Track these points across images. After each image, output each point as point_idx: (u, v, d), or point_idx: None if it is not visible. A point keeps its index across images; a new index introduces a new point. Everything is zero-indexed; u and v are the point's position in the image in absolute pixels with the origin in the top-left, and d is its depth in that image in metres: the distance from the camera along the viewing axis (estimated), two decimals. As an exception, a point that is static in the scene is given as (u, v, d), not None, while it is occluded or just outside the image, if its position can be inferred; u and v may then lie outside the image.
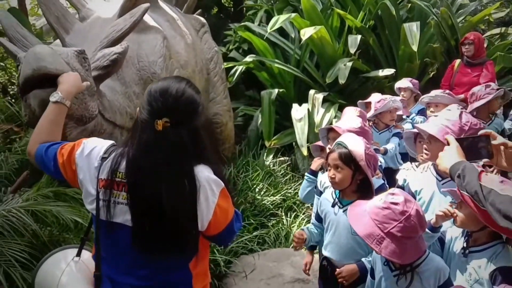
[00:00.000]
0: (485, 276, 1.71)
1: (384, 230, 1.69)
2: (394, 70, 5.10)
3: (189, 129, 1.44)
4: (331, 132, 2.59)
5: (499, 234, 1.69)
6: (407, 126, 3.83)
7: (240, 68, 5.61)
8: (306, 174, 2.78)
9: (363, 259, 2.11)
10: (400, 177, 2.39)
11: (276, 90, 5.31)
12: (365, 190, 2.12)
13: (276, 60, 5.57)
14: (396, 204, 1.72)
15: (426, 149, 2.15)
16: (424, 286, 1.72)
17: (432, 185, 2.18)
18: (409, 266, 1.75)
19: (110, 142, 1.58)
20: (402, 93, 4.35)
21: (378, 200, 1.77)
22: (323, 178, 2.49)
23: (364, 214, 1.75)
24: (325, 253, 2.25)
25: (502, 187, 1.26)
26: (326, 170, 2.53)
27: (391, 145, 3.49)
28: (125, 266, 1.52)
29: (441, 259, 1.81)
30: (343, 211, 2.15)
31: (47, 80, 1.96)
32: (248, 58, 5.53)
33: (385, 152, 3.43)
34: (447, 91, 4.07)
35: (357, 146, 2.09)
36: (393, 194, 1.77)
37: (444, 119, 2.11)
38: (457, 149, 1.48)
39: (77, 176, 1.53)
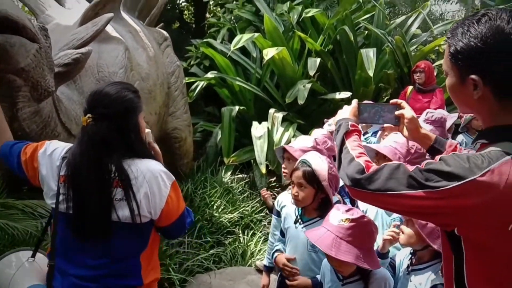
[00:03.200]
0: None
1: (362, 246, 1.75)
2: (350, 93, 5.27)
3: (111, 124, 1.54)
4: (286, 152, 2.62)
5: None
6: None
7: (201, 84, 5.61)
8: (273, 215, 2.64)
9: (317, 276, 2.13)
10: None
11: (236, 107, 5.34)
12: (325, 208, 2.15)
13: (238, 78, 5.62)
14: (362, 217, 1.79)
15: (402, 230, 2.23)
16: None
17: None
18: (359, 275, 1.82)
19: (70, 144, 1.69)
20: None
21: (342, 221, 1.78)
22: (281, 198, 2.50)
23: (338, 242, 1.76)
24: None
25: (355, 150, 1.29)
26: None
27: None
28: (76, 257, 1.59)
29: (386, 270, 1.88)
30: (303, 227, 2.17)
31: (7, 29, 1.93)
32: (210, 74, 5.54)
33: None
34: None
35: (320, 165, 2.13)
36: (350, 209, 1.83)
37: (392, 141, 2.23)
38: (353, 109, 1.51)
39: (38, 173, 1.64)
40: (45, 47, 2.22)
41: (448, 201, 1.03)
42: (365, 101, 1.59)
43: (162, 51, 4.51)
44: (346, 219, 1.78)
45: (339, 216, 1.81)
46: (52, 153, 1.64)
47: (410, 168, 1.11)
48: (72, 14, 3.56)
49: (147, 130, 1.76)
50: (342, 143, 1.34)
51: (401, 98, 5.02)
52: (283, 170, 2.58)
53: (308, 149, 2.42)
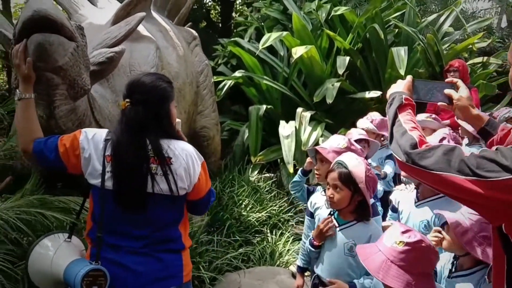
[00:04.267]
0: None
1: (414, 272, 1.58)
2: (380, 92, 5.17)
3: (146, 108, 1.71)
4: (319, 153, 2.58)
5: (484, 261, 1.71)
6: None
7: (229, 83, 5.60)
8: (299, 171, 2.83)
9: (355, 281, 2.08)
10: (393, 198, 2.39)
11: (264, 106, 5.32)
12: (362, 211, 2.11)
13: (265, 77, 5.59)
14: (420, 242, 1.60)
15: None
16: None
17: (411, 205, 2.22)
18: None
19: (106, 129, 1.83)
20: None
21: (396, 243, 1.62)
22: (314, 199, 2.46)
23: (388, 265, 1.60)
24: (317, 271, 2.21)
25: (408, 124, 1.25)
26: (320, 188, 2.52)
27: (389, 169, 3.51)
28: (124, 230, 1.75)
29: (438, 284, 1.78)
30: (339, 230, 2.13)
31: (47, 28, 1.97)
32: (237, 73, 5.54)
33: (384, 176, 3.44)
34: (433, 115, 4.14)
35: (357, 167, 2.08)
36: (407, 231, 1.65)
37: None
38: (407, 84, 1.46)
39: (80, 160, 1.74)
40: (82, 46, 2.25)
41: (497, 193, 0.99)
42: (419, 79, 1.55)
43: (191, 50, 4.53)
44: (400, 241, 1.63)
45: (394, 237, 1.67)
46: (93, 137, 1.76)
47: (466, 153, 1.07)
48: (104, 13, 3.60)
49: (177, 120, 1.92)
50: (395, 116, 1.31)
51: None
52: (316, 171, 2.54)
53: (341, 150, 2.37)
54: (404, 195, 2.36)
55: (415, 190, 2.22)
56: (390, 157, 3.59)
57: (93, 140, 1.76)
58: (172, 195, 1.73)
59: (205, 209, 2.00)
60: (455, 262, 1.81)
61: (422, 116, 3.95)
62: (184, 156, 1.75)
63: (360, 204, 2.09)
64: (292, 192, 2.95)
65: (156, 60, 3.44)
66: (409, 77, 1.51)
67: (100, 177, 1.72)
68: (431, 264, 1.64)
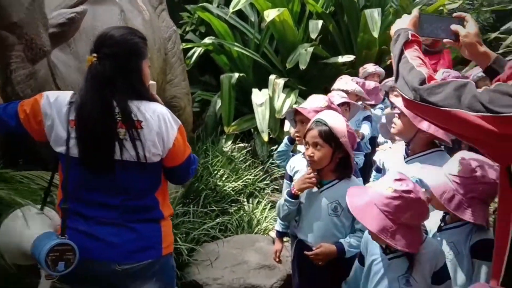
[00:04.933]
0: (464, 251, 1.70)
1: (397, 221, 1.55)
2: (354, 56, 5.11)
3: (114, 62, 1.57)
4: (298, 115, 2.49)
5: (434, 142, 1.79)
6: (377, 112, 3.83)
7: (198, 50, 5.40)
8: (285, 139, 2.71)
9: (341, 241, 2.04)
10: (377, 158, 2.34)
11: (236, 75, 5.17)
12: (344, 169, 2.05)
13: (236, 44, 5.41)
14: (408, 192, 1.56)
15: (394, 123, 2.12)
16: (420, 271, 1.61)
17: (400, 162, 2.16)
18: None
19: (71, 92, 1.67)
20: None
21: (385, 188, 1.60)
22: (293, 163, 2.39)
23: (371, 207, 1.60)
24: (301, 236, 2.16)
25: (415, 60, 1.20)
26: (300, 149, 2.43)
27: (366, 130, 3.47)
28: (93, 199, 1.63)
29: (438, 244, 1.73)
30: (321, 192, 2.07)
31: None
32: (207, 40, 5.33)
33: (362, 137, 3.40)
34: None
35: (338, 122, 2.00)
36: (400, 180, 1.60)
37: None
38: (413, 19, 1.39)
39: (43, 125, 1.61)
40: (39, 1, 2.04)
41: (511, 129, 0.92)
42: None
43: (158, 15, 4.29)
44: (390, 187, 1.59)
45: (385, 182, 1.64)
46: (56, 100, 1.62)
47: (479, 89, 0.99)
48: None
49: (151, 82, 1.75)
50: (401, 53, 1.24)
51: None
52: (295, 134, 2.45)
53: (322, 109, 2.29)
54: (389, 154, 2.30)
55: (404, 147, 2.17)
56: (367, 118, 3.55)
57: (55, 103, 1.61)
58: (139, 161, 1.60)
59: (186, 177, 1.85)
60: (445, 216, 1.78)
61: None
62: (157, 119, 1.61)
63: (342, 162, 2.03)
64: (278, 162, 2.86)
65: (121, 22, 3.22)
66: (415, 11, 1.42)
67: (65, 144, 1.59)
68: (418, 217, 1.59)
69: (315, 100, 2.41)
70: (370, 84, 4.10)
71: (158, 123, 1.61)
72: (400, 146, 2.26)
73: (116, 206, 1.64)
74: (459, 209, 1.63)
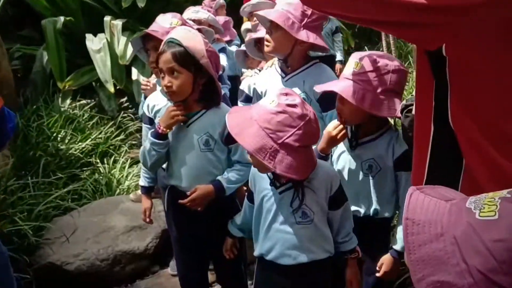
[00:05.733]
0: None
1: (278, 140, 1.33)
2: (196, -9, 4.71)
3: None
4: (149, 42, 2.07)
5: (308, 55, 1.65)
6: (233, 48, 3.56)
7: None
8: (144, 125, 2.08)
9: (218, 178, 1.78)
10: (244, 85, 2.09)
11: (62, 18, 4.34)
12: (210, 96, 1.75)
13: (55, -18, 4.52)
14: (293, 106, 1.34)
15: (267, 40, 1.88)
16: (315, 200, 1.44)
17: (277, 82, 1.95)
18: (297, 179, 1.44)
19: None
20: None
21: (269, 102, 1.37)
22: (151, 101, 1.94)
23: (250, 123, 1.35)
24: (172, 181, 1.84)
25: None
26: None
27: (224, 61, 3.17)
28: None
29: (330, 165, 1.58)
30: (187, 126, 1.75)
31: None
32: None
33: (223, 70, 3.10)
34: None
35: (194, 40, 1.67)
36: (286, 94, 1.38)
37: (284, 3, 1.85)
38: None
39: None
40: None
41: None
42: None
43: None
44: (273, 101, 1.36)
45: (270, 96, 1.40)
46: None
47: None
48: None
49: None
50: None
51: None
52: (152, 65, 2.02)
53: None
54: (261, 78, 2.05)
55: (276, 68, 1.97)
56: (222, 51, 3.26)
57: None
58: None
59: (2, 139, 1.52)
60: (356, 132, 1.63)
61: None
62: None
63: (206, 88, 1.72)
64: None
65: None
66: None
67: None
68: (304, 137, 1.36)
69: (165, 19, 2.02)
70: (220, 18, 3.78)
71: None
72: (271, 62, 2.05)
73: None
74: (374, 106, 1.49)
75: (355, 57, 1.58)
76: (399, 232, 1.58)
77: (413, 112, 1.31)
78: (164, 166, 1.91)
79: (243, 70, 3.19)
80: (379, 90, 1.49)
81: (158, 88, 2.03)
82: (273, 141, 1.32)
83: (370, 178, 1.61)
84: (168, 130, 1.73)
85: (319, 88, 1.62)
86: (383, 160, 1.59)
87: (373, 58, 1.52)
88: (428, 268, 0.71)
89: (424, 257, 0.71)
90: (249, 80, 2.15)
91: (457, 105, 0.93)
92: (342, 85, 1.53)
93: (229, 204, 1.86)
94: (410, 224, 0.75)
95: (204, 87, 1.72)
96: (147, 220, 2.07)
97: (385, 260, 1.62)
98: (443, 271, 0.70)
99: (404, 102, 1.51)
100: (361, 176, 1.61)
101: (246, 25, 3.45)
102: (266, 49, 1.89)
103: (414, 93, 1.19)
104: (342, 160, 1.66)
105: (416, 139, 1.12)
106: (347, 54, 4.48)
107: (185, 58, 1.65)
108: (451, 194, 0.82)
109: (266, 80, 2.00)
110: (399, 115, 1.54)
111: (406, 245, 0.74)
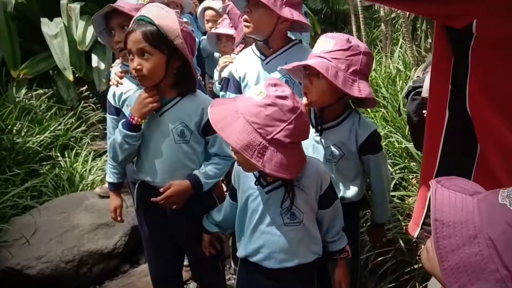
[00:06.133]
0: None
1: (267, 136, 1.19)
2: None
3: None
4: (114, 19, 1.86)
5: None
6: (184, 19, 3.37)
7: None
8: (108, 116, 1.89)
9: (195, 172, 1.64)
10: (227, 73, 1.94)
11: (12, 0, 4.01)
12: (185, 82, 1.59)
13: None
14: (284, 98, 1.21)
15: (246, 21, 1.73)
16: (304, 199, 1.32)
17: (256, 65, 1.82)
18: (280, 179, 1.31)
19: None
20: None
21: (256, 94, 1.23)
22: (118, 89, 1.81)
23: (235, 117, 1.21)
24: (143, 176, 1.68)
25: None
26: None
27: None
28: None
29: (319, 162, 1.46)
30: (161, 115, 1.60)
31: None
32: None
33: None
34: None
35: (167, 18, 1.50)
36: (275, 85, 1.24)
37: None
38: None
39: None
40: None
41: None
42: None
43: None
44: (261, 92, 1.22)
45: (258, 87, 1.26)
46: None
47: None
48: None
49: None
50: None
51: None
52: (117, 46, 1.83)
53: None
54: (240, 63, 1.91)
55: (254, 51, 1.84)
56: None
57: None
58: None
59: None
60: (320, 116, 1.53)
61: None
62: None
63: (181, 72, 1.57)
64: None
65: None
66: None
67: None
68: (295, 132, 1.23)
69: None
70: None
71: None
72: (246, 50, 1.91)
73: None
74: (346, 85, 1.41)
75: (327, 36, 1.52)
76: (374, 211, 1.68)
77: (422, 95, 1.23)
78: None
79: (216, 54, 3.04)
80: (350, 70, 1.43)
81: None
82: (262, 137, 1.19)
83: (333, 164, 1.54)
84: (143, 121, 1.56)
85: (290, 65, 1.51)
86: (346, 146, 1.53)
87: (346, 38, 1.48)
88: (464, 277, 0.62)
89: (458, 265, 0.63)
90: (231, 67, 2.00)
91: (476, 88, 0.85)
92: (314, 61, 1.45)
93: (206, 199, 1.72)
94: (440, 227, 0.66)
95: (179, 71, 1.56)
96: (118, 219, 1.90)
97: (370, 231, 1.80)
98: (481, 279, 0.61)
99: (411, 83, 1.43)
100: (324, 161, 1.53)
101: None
102: (246, 30, 1.75)
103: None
104: (304, 146, 1.57)
105: (428, 125, 1.05)
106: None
107: (157, 38, 1.48)
108: (470, 187, 0.73)
109: (244, 64, 1.86)
110: (372, 96, 1.46)
111: (437, 251, 0.65)
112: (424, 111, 1.20)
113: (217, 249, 1.69)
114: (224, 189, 2.59)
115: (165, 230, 1.75)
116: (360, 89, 1.43)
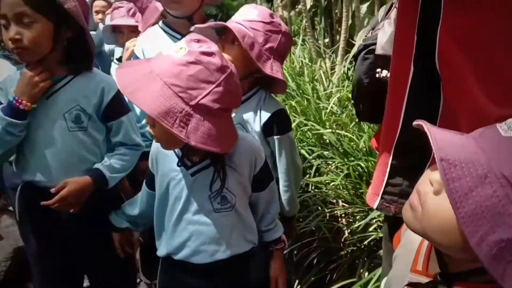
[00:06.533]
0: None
1: (191, 101, 0.98)
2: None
3: None
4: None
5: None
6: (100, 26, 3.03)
7: None
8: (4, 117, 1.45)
9: (97, 166, 1.36)
10: (138, 49, 1.68)
11: None
12: (79, 57, 1.32)
13: None
14: (210, 55, 1.00)
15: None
16: (237, 180, 1.13)
17: (168, 43, 1.62)
18: (209, 158, 1.11)
19: None
20: None
21: (175, 51, 1.00)
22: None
23: (150, 78, 0.97)
24: (27, 176, 1.35)
25: None
26: None
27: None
28: None
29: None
30: (48, 98, 1.30)
31: None
32: None
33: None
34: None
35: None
36: (198, 40, 1.03)
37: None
38: None
39: None
40: None
41: None
42: None
43: None
44: (182, 48, 1.00)
45: (177, 44, 1.03)
46: None
47: None
48: None
49: None
50: None
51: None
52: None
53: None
54: (144, 43, 1.68)
55: (166, 30, 1.66)
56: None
57: None
58: None
59: None
60: None
61: None
62: None
63: (74, 45, 1.30)
64: None
65: None
66: None
67: None
68: (226, 97, 1.02)
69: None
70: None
71: None
72: (153, 31, 1.71)
73: None
74: (260, 59, 1.31)
75: (251, 5, 1.42)
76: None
77: (376, 53, 1.15)
78: (11, 158, 1.41)
79: (106, 48, 2.74)
80: (267, 46, 1.34)
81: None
82: (184, 102, 0.97)
83: None
84: (33, 105, 1.25)
85: (205, 25, 1.39)
86: (250, 125, 1.39)
87: (269, 12, 1.39)
88: (485, 225, 0.51)
89: (476, 210, 0.52)
90: (135, 50, 1.75)
91: (448, 34, 0.78)
92: (233, 25, 1.32)
93: (112, 198, 1.45)
94: (447, 167, 0.54)
95: (70, 43, 1.29)
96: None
97: None
98: (501, 225, 0.51)
99: (361, 42, 1.34)
100: None
101: None
102: (176, 6, 1.58)
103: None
104: None
105: (391, 83, 0.96)
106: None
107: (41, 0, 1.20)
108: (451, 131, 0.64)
109: (156, 44, 1.61)
110: (283, 78, 1.37)
111: (450, 197, 0.53)
112: (377, 70, 1.12)
113: (129, 252, 1.43)
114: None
115: (59, 242, 1.42)
116: (273, 68, 1.32)
